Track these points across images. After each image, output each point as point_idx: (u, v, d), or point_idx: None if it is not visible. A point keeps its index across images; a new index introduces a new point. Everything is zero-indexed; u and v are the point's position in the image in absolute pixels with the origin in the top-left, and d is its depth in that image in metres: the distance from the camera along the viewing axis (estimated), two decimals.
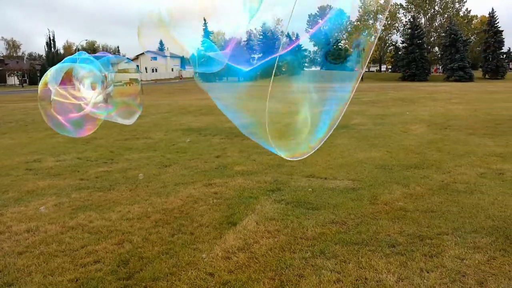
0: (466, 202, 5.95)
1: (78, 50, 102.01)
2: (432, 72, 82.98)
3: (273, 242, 4.64)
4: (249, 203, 6.07)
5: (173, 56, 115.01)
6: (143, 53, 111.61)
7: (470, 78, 70.68)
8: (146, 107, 23.95)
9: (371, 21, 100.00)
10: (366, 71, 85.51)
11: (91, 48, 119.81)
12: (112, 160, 9.68)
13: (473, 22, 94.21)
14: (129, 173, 8.25)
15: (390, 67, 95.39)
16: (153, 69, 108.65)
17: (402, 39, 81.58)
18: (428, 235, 4.74)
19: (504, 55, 78.18)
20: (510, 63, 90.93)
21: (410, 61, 74.72)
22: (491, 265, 3.99)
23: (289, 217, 5.44)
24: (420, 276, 3.81)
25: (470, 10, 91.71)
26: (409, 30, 77.88)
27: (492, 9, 77.89)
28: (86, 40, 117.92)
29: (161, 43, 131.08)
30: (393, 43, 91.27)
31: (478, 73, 77.51)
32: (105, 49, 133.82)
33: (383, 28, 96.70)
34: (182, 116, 19.01)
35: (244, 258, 4.25)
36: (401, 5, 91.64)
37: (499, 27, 76.60)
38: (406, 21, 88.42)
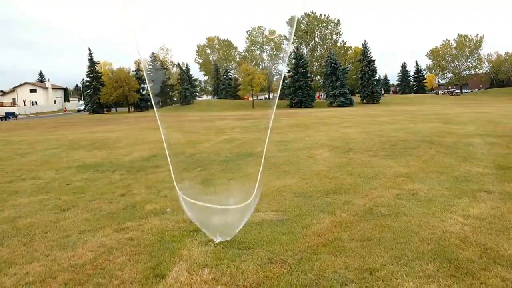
0: (395, 227, 5.89)
1: None
2: (316, 99, 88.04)
3: None
4: (174, 248, 5.37)
5: (55, 87, 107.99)
6: (21, 85, 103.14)
7: (350, 103, 76.34)
8: (30, 143, 21.71)
9: (257, 52, 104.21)
10: (255, 99, 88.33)
11: None
12: None
13: (349, 52, 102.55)
14: (20, 222, 6.99)
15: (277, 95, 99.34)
16: (32, 102, 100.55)
17: (288, 69, 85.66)
18: (374, 267, 4.49)
19: (377, 82, 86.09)
20: (382, 89, 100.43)
21: (297, 89, 78.69)
22: None
23: (223, 261, 4.86)
24: None
25: (346, 42, 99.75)
26: (294, 60, 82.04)
27: (365, 41, 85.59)
28: None
29: (41, 74, 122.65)
30: (279, 73, 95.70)
31: (356, 98, 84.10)
32: None
33: (269, 58, 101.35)
34: (74, 151, 17.35)
35: None
36: (284, 36, 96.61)
37: (371, 57, 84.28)
38: (290, 52, 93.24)
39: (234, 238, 5.64)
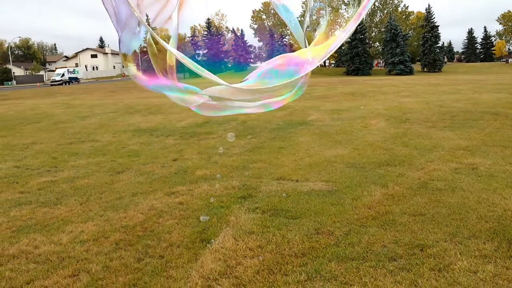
0: (451, 202, 5.60)
1: (11, 47, 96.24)
2: (374, 66, 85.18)
3: (259, 263, 4.01)
4: (221, 214, 5.41)
5: (114, 53, 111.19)
6: (83, 50, 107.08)
7: (410, 72, 73.29)
8: (90, 106, 22.60)
9: (314, 17, 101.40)
10: None
11: (25, 46, 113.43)
12: (56, 167, 8.65)
13: (411, 17, 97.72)
14: (78, 183, 7.31)
15: (333, 62, 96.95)
16: (93, 67, 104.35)
17: None
18: (426, 244, 4.29)
19: (440, 49, 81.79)
20: (445, 56, 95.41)
21: (354, 56, 76.31)
22: (508, 277, 3.58)
23: (269, 229, 4.83)
24: None
25: (407, 6, 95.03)
26: None
27: (429, 5, 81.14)
28: (20, 37, 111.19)
29: (101, 39, 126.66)
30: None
31: (417, 67, 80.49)
32: (40, 46, 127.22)
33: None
34: (130, 116, 17.89)
35: (229, 287, 3.60)
36: (343, 1, 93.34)
37: (435, 23, 79.89)
38: (348, 17, 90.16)
39: (281, 206, 5.60)
